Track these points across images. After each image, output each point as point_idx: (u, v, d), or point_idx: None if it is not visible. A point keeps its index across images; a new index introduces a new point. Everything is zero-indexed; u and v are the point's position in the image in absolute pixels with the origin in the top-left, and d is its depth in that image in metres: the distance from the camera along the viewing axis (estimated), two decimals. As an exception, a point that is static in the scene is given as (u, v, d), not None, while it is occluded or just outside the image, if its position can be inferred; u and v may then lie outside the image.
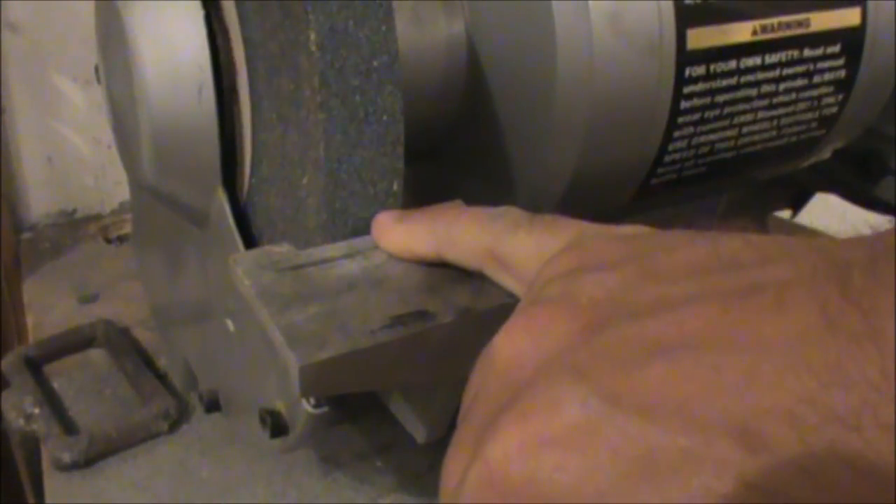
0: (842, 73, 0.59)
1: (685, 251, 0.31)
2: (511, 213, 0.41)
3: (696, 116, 0.55)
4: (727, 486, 0.25)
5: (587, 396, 0.27)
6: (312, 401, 0.49)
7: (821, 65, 0.58)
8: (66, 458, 0.70)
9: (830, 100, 0.60)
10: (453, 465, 0.30)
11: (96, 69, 0.61)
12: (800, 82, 0.58)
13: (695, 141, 0.56)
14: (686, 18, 0.53)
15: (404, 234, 0.45)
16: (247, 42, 0.52)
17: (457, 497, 0.29)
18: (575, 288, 0.32)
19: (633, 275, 0.31)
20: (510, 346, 0.31)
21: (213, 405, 0.65)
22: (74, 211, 1.09)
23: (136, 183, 0.67)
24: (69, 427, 0.75)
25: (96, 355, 0.83)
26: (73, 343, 0.84)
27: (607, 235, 0.36)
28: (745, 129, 0.58)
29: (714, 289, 0.29)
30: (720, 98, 0.55)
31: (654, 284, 0.30)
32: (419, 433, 0.49)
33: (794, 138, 0.61)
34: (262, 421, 0.53)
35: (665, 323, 0.28)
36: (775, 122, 0.59)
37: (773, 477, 0.24)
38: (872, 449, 0.24)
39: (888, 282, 0.25)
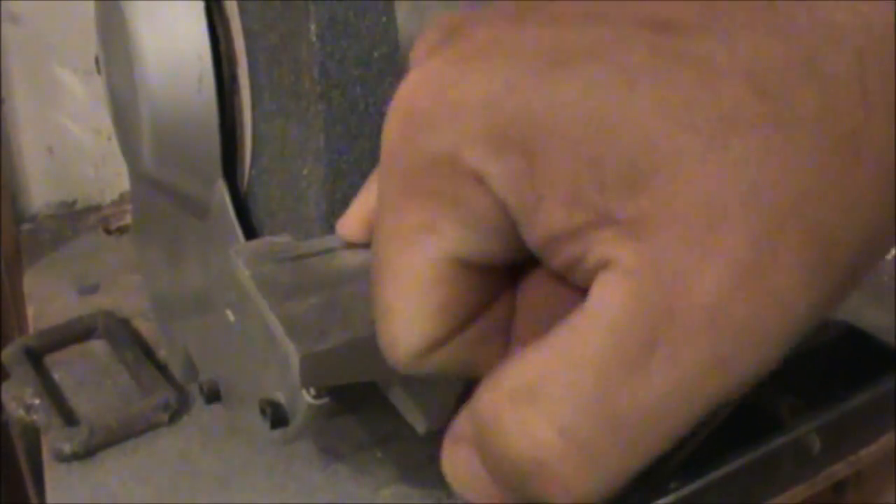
0: None
1: None
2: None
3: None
4: (640, 56, 0.24)
5: (492, 23, 0.26)
6: (313, 391, 0.49)
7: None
8: (67, 448, 0.70)
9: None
10: None
11: (97, 60, 0.61)
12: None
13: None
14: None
15: (358, 207, 0.41)
16: (247, 33, 0.52)
17: (382, 158, 0.28)
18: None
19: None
20: (421, 43, 0.30)
21: (213, 396, 0.65)
22: (75, 202, 1.09)
23: (136, 174, 0.67)
24: (69, 418, 0.75)
25: (97, 346, 0.83)
26: (74, 334, 0.84)
27: None
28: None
29: None
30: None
31: None
32: (419, 424, 0.49)
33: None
34: (263, 412, 0.53)
35: None
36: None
37: (686, 44, 0.24)
38: (788, 19, 0.23)
39: None
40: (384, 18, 0.46)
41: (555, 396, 0.25)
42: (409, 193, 0.27)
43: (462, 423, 0.29)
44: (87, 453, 0.71)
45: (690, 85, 0.23)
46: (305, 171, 0.48)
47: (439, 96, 0.26)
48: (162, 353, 0.82)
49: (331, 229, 0.47)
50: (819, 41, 0.23)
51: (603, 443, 0.24)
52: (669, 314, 0.23)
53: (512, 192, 0.25)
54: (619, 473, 0.25)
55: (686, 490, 0.55)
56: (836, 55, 0.23)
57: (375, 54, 0.46)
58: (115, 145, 0.65)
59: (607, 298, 0.24)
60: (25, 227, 1.06)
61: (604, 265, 0.24)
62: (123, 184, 1.07)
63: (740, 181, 0.23)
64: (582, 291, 0.25)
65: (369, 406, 0.72)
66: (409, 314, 0.28)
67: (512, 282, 0.29)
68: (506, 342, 0.29)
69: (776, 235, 0.23)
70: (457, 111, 0.25)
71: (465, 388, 0.48)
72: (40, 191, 1.07)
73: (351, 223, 0.42)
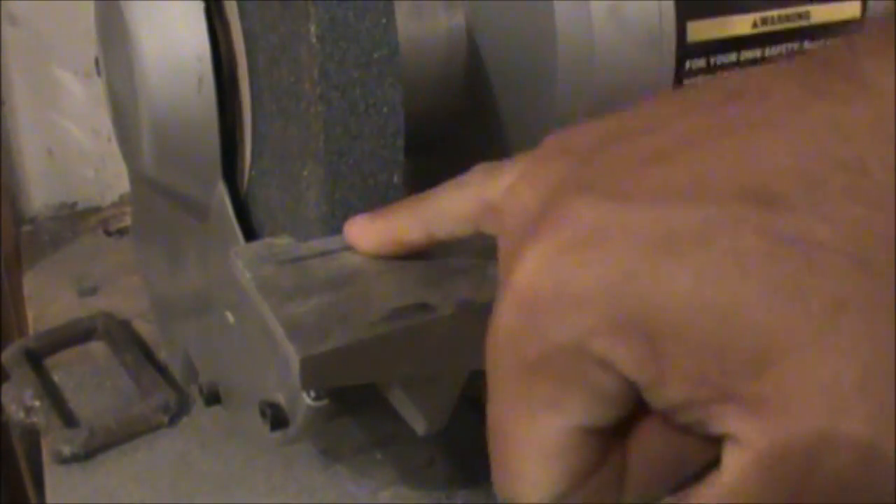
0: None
1: (661, 103, 0.31)
2: (483, 165, 0.40)
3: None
4: (750, 242, 0.25)
5: (597, 201, 0.28)
6: (312, 393, 0.49)
7: (821, 57, 0.58)
8: (67, 450, 0.70)
9: (831, 92, 0.60)
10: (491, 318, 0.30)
11: (96, 61, 0.61)
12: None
13: (695, 134, 0.56)
14: (686, 11, 0.53)
15: (387, 228, 0.44)
16: (247, 34, 0.52)
17: (496, 336, 0.29)
18: (562, 143, 0.32)
19: (617, 123, 0.31)
20: (515, 202, 0.32)
21: (213, 398, 0.65)
22: (75, 203, 1.09)
23: (136, 175, 0.67)
24: (69, 420, 0.75)
25: (96, 348, 0.83)
26: (74, 336, 0.84)
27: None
28: (745, 122, 0.58)
29: (697, 103, 0.29)
30: (721, 91, 0.55)
31: (638, 119, 0.30)
32: (420, 425, 0.49)
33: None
34: (263, 413, 0.53)
35: (657, 136, 0.29)
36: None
37: (792, 225, 0.25)
38: (881, 186, 0.24)
39: (869, 48, 0.26)
40: (384, 20, 0.46)
41: None
42: (534, 374, 0.28)
43: None
44: (86, 455, 0.71)
45: (800, 269, 0.24)
46: (305, 173, 0.48)
47: (560, 288, 0.27)
48: (162, 355, 0.82)
49: (331, 231, 0.47)
50: None
51: None
52: (799, 492, 0.25)
53: (637, 373, 0.27)
54: None
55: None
56: None
57: (375, 56, 0.46)
58: (114, 147, 0.65)
59: (739, 474, 0.26)
60: (25, 228, 1.06)
61: (730, 437, 0.26)
62: (123, 185, 1.07)
63: (855, 366, 0.24)
64: (699, 439, 0.27)
65: (369, 408, 0.72)
66: (536, 478, 0.29)
67: (624, 431, 0.30)
68: (620, 485, 0.30)
69: (892, 415, 0.24)
70: (580, 304, 0.27)
71: (464, 391, 0.48)
72: (40, 192, 1.07)
73: (370, 240, 0.44)
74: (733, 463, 0.26)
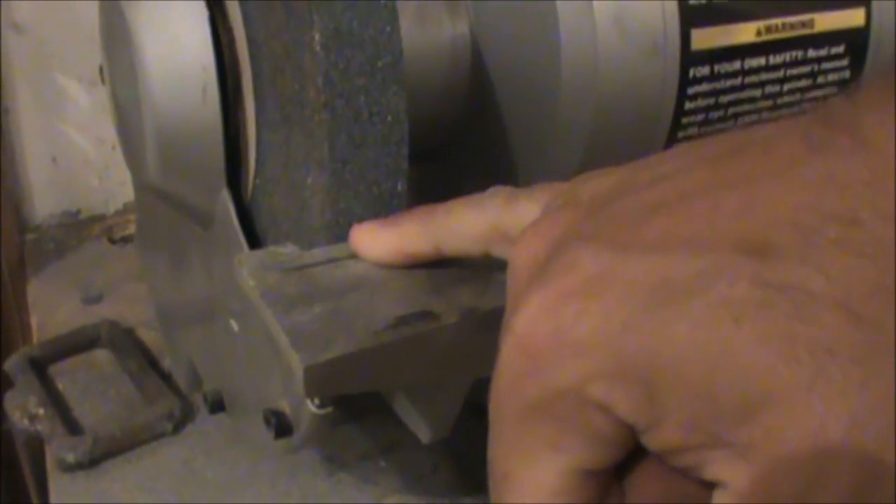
0: (846, 74, 0.59)
1: (671, 157, 0.32)
2: (501, 190, 0.41)
3: (701, 117, 0.55)
4: (742, 290, 0.26)
5: (598, 251, 0.29)
6: (317, 401, 0.49)
7: (825, 65, 0.58)
8: (71, 458, 0.70)
9: (835, 100, 0.60)
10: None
11: (100, 69, 0.61)
12: (804, 83, 0.58)
13: (699, 141, 0.56)
14: (690, 19, 0.53)
15: (395, 237, 0.44)
16: (251, 42, 0.52)
17: (498, 378, 0.30)
18: (574, 194, 0.33)
19: (628, 175, 0.32)
20: (524, 251, 0.32)
21: (217, 406, 0.65)
22: (79, 211, 1.09)
23: (140, 183, 0.67)
24: (73, 427, 0.75)
25: (101, 356, 0.83)
26: (78, 343, 0.84)
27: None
28: (749, 130, 0.58)
29: (703, 158, 0.30)
30: (724, 99, 0.55)
31: (648, 172, 0.31)
32: (424, 433, 0.49)
33: (798, 139, 0.61)
34: (267, 421, 0.53)
35: (661, 189, 0.30)
36: (780, 123, 0.59)
37: (784, 274, 0.25)
38: (874, 237, 0.25)
39: (868, 102, 0.27)
40: (388, 28, 0.46)
41: None
42: (534, 417, 0.29)
43: None
44: (90, 463, 0.71)
45: (791, 317, 0.25)
46: (309, 181, 0.48)
47: (559, 336, 0.28)
48: (166, 363, 0.82)
49: (335, 239, 0.47)
50: None
51: None
52: None
53: (634, 417, 0.27)
54: None
55: None
56: None
57: (379, 63, 0.46)
58: (119, 155, 0.65)
59: None
60: (29, 236, 1.06)
61: (720, 481, 0.27)
62: (128, 193, 1.07)
63: (842, 413, 0.25)
64: (695, 484, 0.28)
65: (373, 415, 0.72)
66: None
67: (621, 473, 0.31)
68: None
69: (877, 463, 0.24)
70: (579, 350, 0.28)
71: (468, 398, 0.48)
72: (44, 200, 1.07)
73: (377, 248, 0.44)
74: None
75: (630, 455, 0.30)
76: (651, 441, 0.28)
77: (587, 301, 0.28)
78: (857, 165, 0.26)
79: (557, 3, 0.51)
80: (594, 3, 0.50)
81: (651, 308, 0.27)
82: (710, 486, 0.27)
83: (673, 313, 0.26)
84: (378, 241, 0.44)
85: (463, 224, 0.42)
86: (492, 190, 0.41)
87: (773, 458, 0.25)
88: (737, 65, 0.55)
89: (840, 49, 0.58)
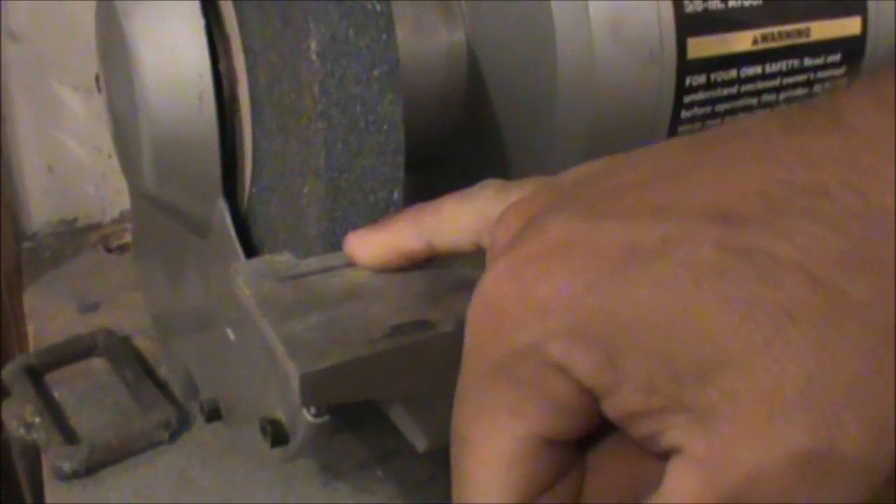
0: (842, 83, 0.59)
1: (657, 146, 0.32)
2: (492, 182, 0.41)
3: (697, 126, 0.55)
4: (706, 254, 0.26)
5: (568, 219, 0.29)
6: (313, 410, 0.49)
7: (821, 74, 0.58)
8: (67, 467, 0.70)
9: (831, 108, 0.60)
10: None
11: (97, 78, 0.61)
12: (800, 91, 0.58)
13: (695, 150, 0.56)
14: (687, 27, 0.53)
15: (388, 237, 0.44)
16: (247, 51, 0.52)
17: (466, 342, 0.30)
18: (557, 179, 0.34)
19: (612, 162, 0.33)
20: (501, 227, 0.33)
21: (213, 414, 0.65)
22: (75, 220, 1.09)
23: (136, 192, 0.67)
24: (70, 436, 0.75)
25: (97, 364, 0.83)
26: (74, 352, 0.84)
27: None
28: (745, 138, 0.58)
29: (686, 144, 0.31)
30: (721, 107, 0.55)
31: (631, 159, 0.32)
32: (420, 442, 0.49)
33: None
34: (263, 430, 0.53)
35: (640, 171, 0.30)
36: (776, 131, 0.59)
37: (749, 239, 0.26)
38: (843, 208, 0.25)
39: (851, 92, 0.27)
40: (384, 37, 0.46)
41: None
42: (495, 379, 0.29)
43: None
44: (87, 471, 0.71)
45: (752, 280, 0.25)
46: (306, 190, 0.48)
47: (523, 294, 0.28)
48: (162, 372, 0.82)
49: (331, 247, 0.47)
50: (872, 229, 0.25)
51: None
52: (738, 501, 0.25)
53: (593, 379, 0.27)
54: None
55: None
56: (888, 242, 0.25)
57: (376, 72, 0.46)
58: (115, 163, 0.65)
59: (680, 485, 0.26)
60: (26, 245, 1.06)
61: (676, 448, 0.26)
62: (124, 202, 1.07)
63: (798, 374, 0.25)
64: (654, 459, 0.28)
65: (370, 424, 0.72)
66: (489, 487, 0.30)
67: (582, 451, 0.31)
68: None
69: (833, 425, 0.24)
70: (541, 309, 0.28)
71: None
72: (40, 209, 1.07)
73: (371, 250, 0.44)
74: (674, 477, 0.26)
75: (593, 437, 0.30)
76: (611, 407, 0.28)
77: (553, 263, 0.28)
78: (831, 142, 0.26)
79: (554, 11, 0.51)
80: (591, 11, 0.51)
81: (615, 271, 0.27)
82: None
83: (636, 276, 0.27)
84: (371, 243, 0.44)
85: (452, 216, 0.41)
86: (482, 183, 0.41)
87: (729, 420, 0.25)
88: (733, 73, 0.55)
89: (836, 58, 0.58)
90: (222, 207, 0.55)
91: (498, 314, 0.29)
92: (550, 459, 0.29)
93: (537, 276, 0.28)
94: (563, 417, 0.29)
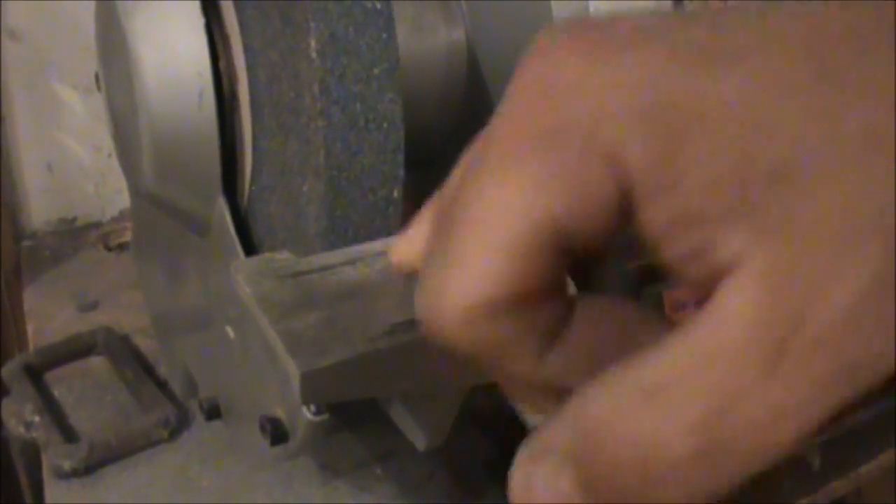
0: None
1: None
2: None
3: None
4: (800, 69, 0.24)
5: (644, 22, 0.26)
6: (313, 408, 0.49)
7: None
8: (67, 465, 0.70)
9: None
10: None
11: (96, 77, 0.61)
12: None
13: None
14: (686, 26, 0.53)
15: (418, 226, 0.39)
16: (247, 49, 0.52)
17: (501, 114, 0.27)
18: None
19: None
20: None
21: (213, 413, 0.65)
22: (75, 219, 1.09)
23: (136, 191, 0.67)
24: (69, 435, 0.75)
25: (96, 363, 0.83)
26: (74, 351, 0.84)
27: None
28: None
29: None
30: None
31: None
32: (420, 441, 0.49)
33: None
34: (263, 428, 0.53)
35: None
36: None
37: (845, 64, 0.24)
38: None
39: None
40: (384, 35, 0.46)
41: (687, 396, 0.24)
42: (533, 145, 0.26)
43: (551, 436, 0.27)
44: (86, 470, 0.71)
45: (846, 99, 0.24)
46: (305, 188, 0.48)
47: (589, 70, 0.25)
48: (162, 370, 0.82)
49: (331, 246, 0.47)
50: None
51: (731, 445, 0.24)
52: (803, 320, 0.23)
53: (648, 172, 0.25)
54: (739, 477, 0.25)
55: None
56: None
57: (375, 71, 0.46)
58: (115, 162, 0.65)
59: (743, 298, 0.24)
60: (25, 243, 1.06)
61: (735, 262, 0.24)
62: (123, 201, 1.07)
63: (873, 200, 0.23)
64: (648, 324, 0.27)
65: (369, 423, 0.72)
66: (481, 267, 0.26)
67: (565, 292, 0.28)
68: (538, 351, 0.28)
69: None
70: (606, 86, 0.25)
71: (464, 406, 0.48)
72: (40, 208, 1.07)
73: (409, 244, 0.40)
74: (736, 289, 0.24)
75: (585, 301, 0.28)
76: (657, 212, 0.25)
77: (626, 50, 0.25)
78: None
79: (554, 11, 0.51)
80: (591, 11, 0.51)
81: (699, 62, 0.25)
82: (660, 328, 0.26)
83: (722, 70, 0.24)
84: (406, 238, 0.41)
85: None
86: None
87: (802, 231, 0.23)
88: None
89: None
90: (222, 206, 0.55)
91: (553, 87, 0.26)
92: (550, 261, 0.26)
93: (606, 56, 0.25)
94: (586, 211, 0.25)
